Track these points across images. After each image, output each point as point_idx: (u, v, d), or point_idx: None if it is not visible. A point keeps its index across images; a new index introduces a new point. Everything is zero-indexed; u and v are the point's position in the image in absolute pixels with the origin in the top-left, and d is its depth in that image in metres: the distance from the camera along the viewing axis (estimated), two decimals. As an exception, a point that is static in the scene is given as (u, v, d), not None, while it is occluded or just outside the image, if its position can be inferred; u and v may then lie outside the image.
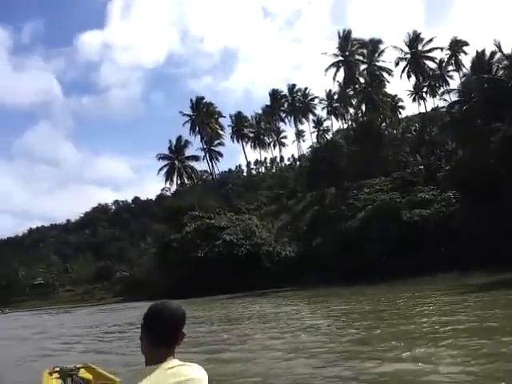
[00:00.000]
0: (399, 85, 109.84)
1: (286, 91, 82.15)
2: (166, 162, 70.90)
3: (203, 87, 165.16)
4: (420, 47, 64.23)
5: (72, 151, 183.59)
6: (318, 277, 37.12)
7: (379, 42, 65.96)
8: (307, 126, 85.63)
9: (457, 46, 63.91)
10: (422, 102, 69.50)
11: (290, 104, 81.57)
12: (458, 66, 63.66)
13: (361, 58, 67.52)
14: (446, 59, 65.05)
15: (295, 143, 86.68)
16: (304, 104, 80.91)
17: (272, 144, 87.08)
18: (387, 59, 65.94)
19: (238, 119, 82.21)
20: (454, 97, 43.70)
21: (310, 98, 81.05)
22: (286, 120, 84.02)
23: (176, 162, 71.10)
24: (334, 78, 68.24)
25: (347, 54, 66.62)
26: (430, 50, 64.36)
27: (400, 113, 69.89)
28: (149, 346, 1.92)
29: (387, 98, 65.24)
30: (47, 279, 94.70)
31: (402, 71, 65.51)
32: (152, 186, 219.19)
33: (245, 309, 26.99)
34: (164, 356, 1.89)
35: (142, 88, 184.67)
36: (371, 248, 35.49)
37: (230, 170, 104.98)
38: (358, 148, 51.54)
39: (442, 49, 64.01)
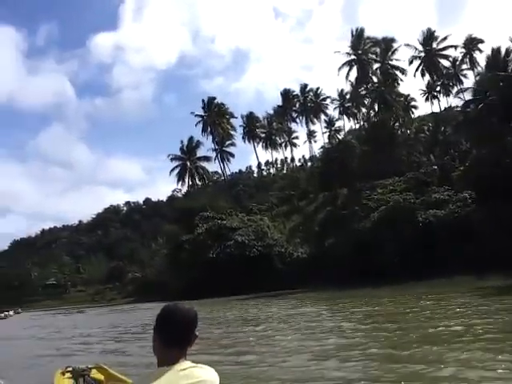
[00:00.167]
0: (412, 84, 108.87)
1: (297, 91, 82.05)
2: (177, 163, 71.32)
3: (215, 88, 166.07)
4: (434, 45, 63.31)
5: (85, 153, 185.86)
6: (330, 278, 36.65)
7: (392, 40, 65.19)
8: (319, 127, 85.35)
9: (472, 43, 63.10)
10: (434, 101, 68.87)
11: (301, 104, 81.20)
12: (473, 64, 62.82)
13: (374, 56, 66.88)
14: (460, 57, 64.33)
15: (306, 144, 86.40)
16: (316, 104, 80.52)
17: (283, 144, 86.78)
18: (400, 58, 65.36)
19: (250, 120, 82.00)
20: (468, 96, 43.13)
21: (321, 97, 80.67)
22: (298, 120, 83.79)
23: (188, 163, 71.34)
24: (346, 77, 67.90)
25: (360, 52, 66.08)
26: (445, 48, 63.43)
27: (413, 112, 69.18)
28: (161, 347, 1.92)
29: (400, 98, 64.47)
30: (59, 279, 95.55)
31: (416, 70, 64.75)
32: (163, 187, 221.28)
33: (260, 310, 26.66)
34: (176, 357, 1.89)
35: (154, 89, 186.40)
36: (385, 249, 34.99)
37: (240, 171, 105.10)
38: (370, 148, 51.03)
39: (456, 47, 63.26)
